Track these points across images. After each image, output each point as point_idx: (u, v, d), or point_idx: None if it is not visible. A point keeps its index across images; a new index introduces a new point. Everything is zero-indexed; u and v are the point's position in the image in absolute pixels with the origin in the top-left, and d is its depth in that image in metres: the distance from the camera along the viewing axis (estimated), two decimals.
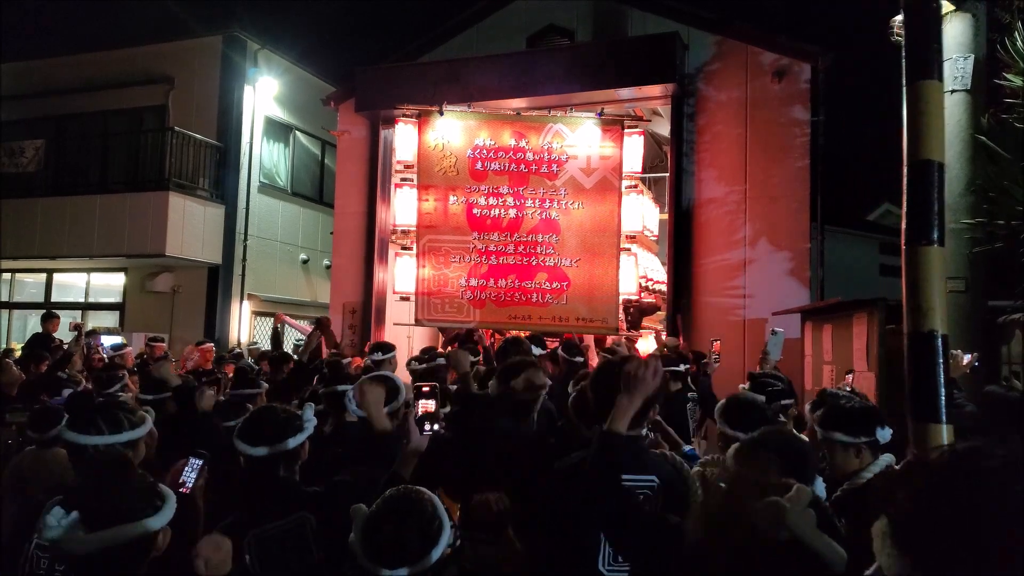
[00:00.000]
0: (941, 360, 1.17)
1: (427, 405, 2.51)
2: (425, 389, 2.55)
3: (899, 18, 6.75)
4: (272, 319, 11.56)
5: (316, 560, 2.30)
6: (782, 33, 9.03)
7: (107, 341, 9.57)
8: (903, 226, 1.22)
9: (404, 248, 9.54)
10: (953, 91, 6.61)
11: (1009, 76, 6.08)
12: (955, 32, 6.66)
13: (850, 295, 6.99)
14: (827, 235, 9.32)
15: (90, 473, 1.71)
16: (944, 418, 1.14)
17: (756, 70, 8.88)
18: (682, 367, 5.99)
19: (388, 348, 5.68)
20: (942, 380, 1.16)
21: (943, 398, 1.12)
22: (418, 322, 9.50)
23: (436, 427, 2.50)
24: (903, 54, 1.31)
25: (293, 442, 2.43)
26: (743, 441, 2.24)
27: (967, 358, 3.75)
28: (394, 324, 9.93)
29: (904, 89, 1.29)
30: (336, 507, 2.22)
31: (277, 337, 7.49)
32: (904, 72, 1.28)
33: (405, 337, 10.13)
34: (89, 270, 13.48)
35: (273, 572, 2.24)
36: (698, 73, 9.13)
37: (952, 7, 6.66)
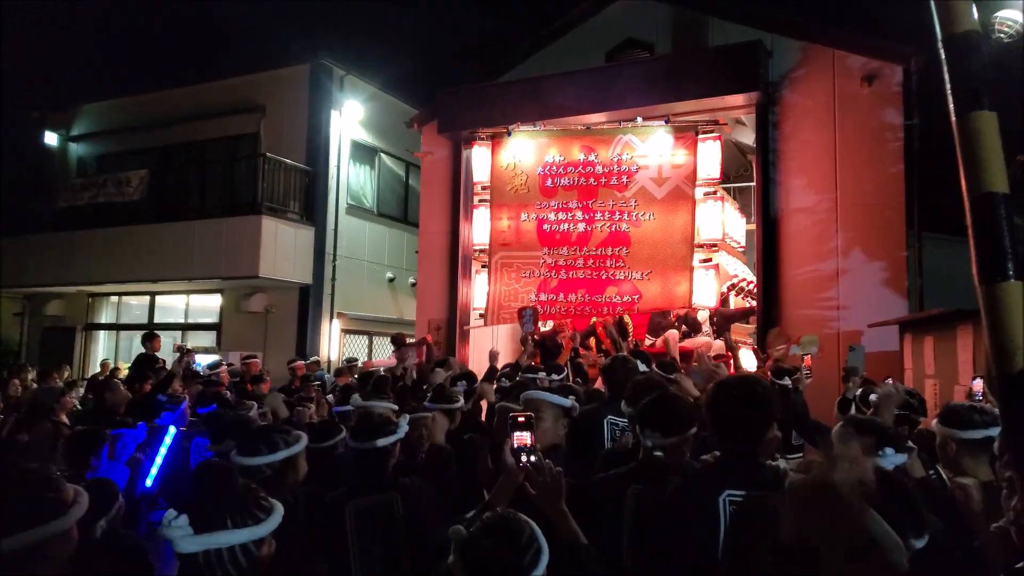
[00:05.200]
0: None
1: (522, 437, 2.35)
2: (520, 420, 2.37)
3: (1002, 13, 6.46)
4: (378, 339, 11.83)
5: (402, 530, 2.83)
6: (870, 35, 8.73)
7: (203, 360, 10.02)
8: (974, 267, 1.13)
9: (483, 266, 9.70)
10: None
11: None
12: None
13: (951, 305, 6.65)
14: (925, 242, 8.90)
15: (201, 482, 1.86)
16: None
17: (844, 74, 8.61)
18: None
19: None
20: None
21: None
22: (487, 323, 9.62)
23: (533, 459, 2.33)
24: (947, 87, 1.23)
25: (383, 442, 2.98)
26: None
27: None
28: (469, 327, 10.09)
29: (954, 123, 1.20)
30: (418, 495, 2.95)
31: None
32: (951, 106, 1.19)
33: (487, 353, 10.21)
34: (188, 292, 14.14)
35: (367, 535, 2.81)
36: (782, 80, 8.91)
37: None
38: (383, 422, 3.08)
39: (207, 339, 13.81)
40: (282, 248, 12.40)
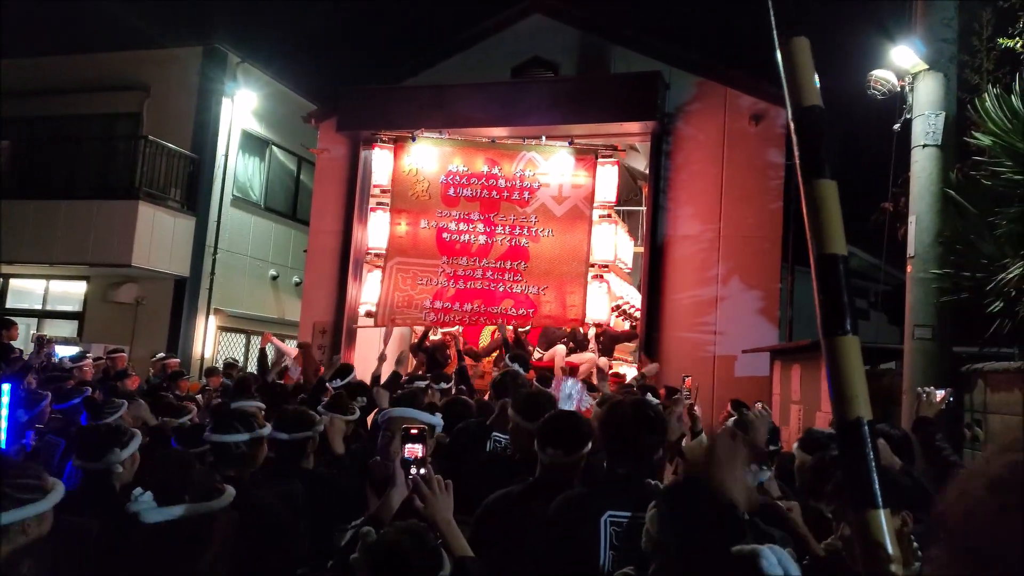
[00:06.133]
0: (870, 447, 1.17)
1: (414, 449, 2.36)
2: (413, 432, 2.39)
3: (877, 72, 7.00)
4: (257, 338, 11.41)
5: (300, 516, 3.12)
6: (762, 77, 9.27)
7: (64, 351, 9.31)
8: (818, 320, 1.22)
9: (378, 268, 9.55)
10: (925, 146, 6.83)
11: (978, 135, 6.29)
12: (927, 90, 6.89)
13: (817, 336, 7.13)
14: (797, 276, 9.52)
15: (166, 468, 2.32)
16: (881, 503, 1.13)
17: (734, 112, 9.08)
18: None
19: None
20: (873, 466, 1.16)
21: (876, 484, 1.12)
22: (377, 323, 9.41)
23: (423, 471, 2.33)
24: (796, 156, 1.34)
25: (300, 436, 3.42)
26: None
27: (940, 394, 3.78)
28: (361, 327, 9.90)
29: (801, 188, 1.31)
30: (319, 485, 3.32)
31: (264, 359, 7.31)
32: (799, 173, 1.30)
33: (375, 360, 10.04)
34: (48, 277, 13.11)
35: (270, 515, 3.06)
36: (677, 112, 9.29)
37: (925, 66, 6.90)
38: (300, 417, 3.48)
39: (67, 329, 12.85)
40: (159, 237, 11.74)
